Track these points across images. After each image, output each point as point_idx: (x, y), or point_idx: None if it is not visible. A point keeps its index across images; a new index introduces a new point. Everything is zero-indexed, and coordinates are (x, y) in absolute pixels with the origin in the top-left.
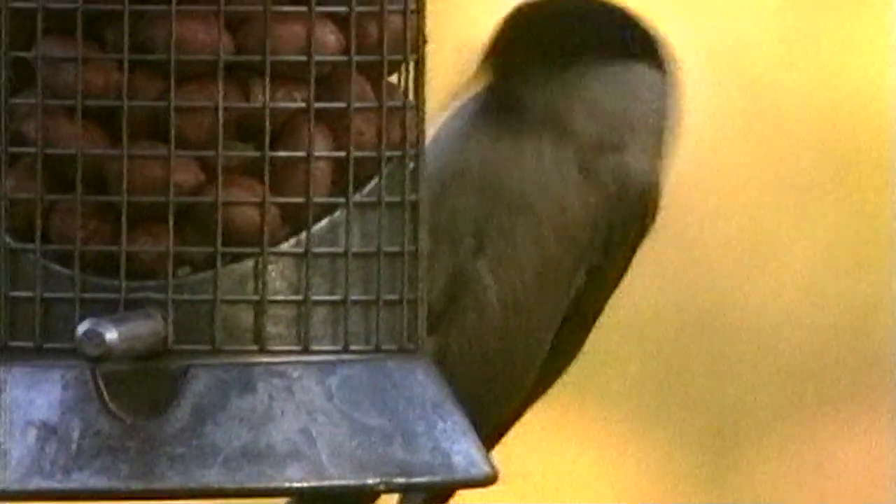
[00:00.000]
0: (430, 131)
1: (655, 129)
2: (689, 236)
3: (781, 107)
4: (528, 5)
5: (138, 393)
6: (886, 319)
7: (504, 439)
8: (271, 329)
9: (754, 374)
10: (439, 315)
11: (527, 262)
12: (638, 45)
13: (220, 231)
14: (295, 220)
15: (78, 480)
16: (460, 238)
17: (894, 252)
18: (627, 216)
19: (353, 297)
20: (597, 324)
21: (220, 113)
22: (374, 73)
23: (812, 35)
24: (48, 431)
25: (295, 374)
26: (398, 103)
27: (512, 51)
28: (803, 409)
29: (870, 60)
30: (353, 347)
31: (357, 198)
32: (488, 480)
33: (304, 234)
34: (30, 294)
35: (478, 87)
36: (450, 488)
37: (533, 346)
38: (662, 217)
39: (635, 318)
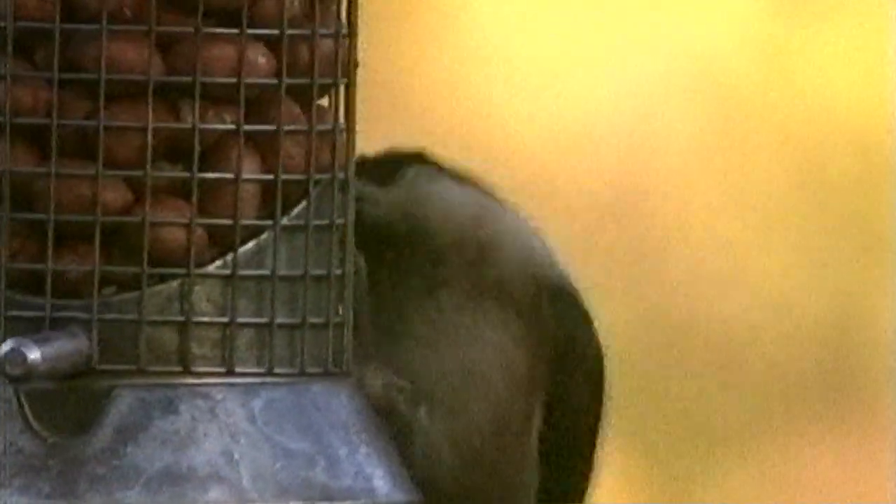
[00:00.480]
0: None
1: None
2: (666, 251)
3: (761, 121)
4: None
5: (61, 412)
6: (862, 334)
7: None
8: (196, 350)
9: (730, 389)
10: None
11: (477, 419)
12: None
13: (146, 251)
14: (222, 242)
15: None
16: (395, 387)
17: (874, 267)
18: (546, 334)
19: (279, 320)
20: None
21: (150, 133)
22: (304, 97)
23: (796, 49)
24: None
25: (219, 396)
26: (328, 127)
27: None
28: (779, 423)
29: (855, 74)
30: (277, 370)
31: (285, 220)
32: None
33: (230, 256)
34: None
35: None
36: None
37: (499, 493)
38: (640, 233)
39: (609, 332)
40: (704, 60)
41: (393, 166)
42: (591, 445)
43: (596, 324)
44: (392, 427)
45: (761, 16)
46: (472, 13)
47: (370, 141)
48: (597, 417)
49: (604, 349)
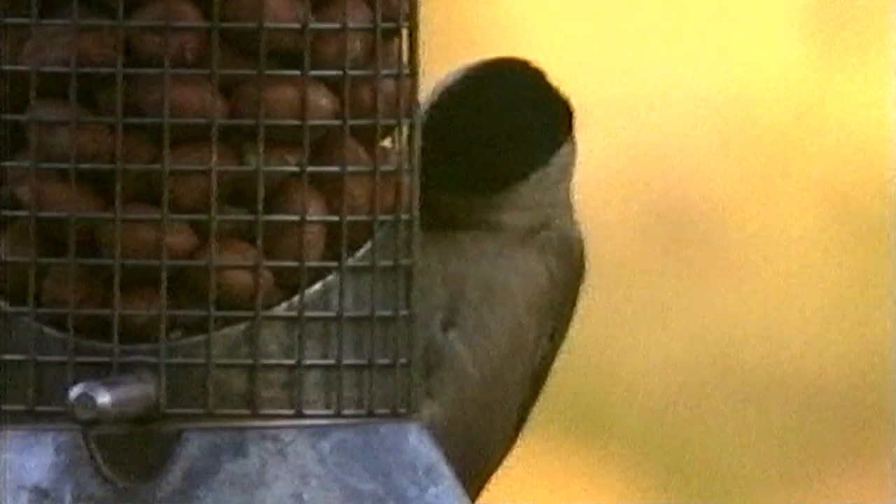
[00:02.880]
0: None
1: (568, 196)
2: (691, 296)
3: (793, 163)
4: (445, 100)
5: (131, 457)
6: (886, 381)
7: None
8: (264, 393)
9: (752, 435)
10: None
11: (500, 333)
12: (556, 124)
13: (213, 295)
14: (288, 284)
15: None
16: (430, 313)
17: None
18: (573, 277)
19: (346, 362)
20: (597, 382)
21: (214, 176)
22: (367, 137)
23: (822, 90)
24: (40, 495)
25: (288, 439)
26: (392, 167)
27: (439, 167)
28: (801, 469)
29: (874, 114)
30: (345, 412)
31: (350, 262)
32: None
33: (297, 298)
34: (23, 357)
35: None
36: None
37: (508, 412)
38: (667, 277)
39: (636, 377)
40: (738, 103)
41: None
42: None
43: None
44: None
45: (794, 60)
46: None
47: None
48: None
49: (628, 391)
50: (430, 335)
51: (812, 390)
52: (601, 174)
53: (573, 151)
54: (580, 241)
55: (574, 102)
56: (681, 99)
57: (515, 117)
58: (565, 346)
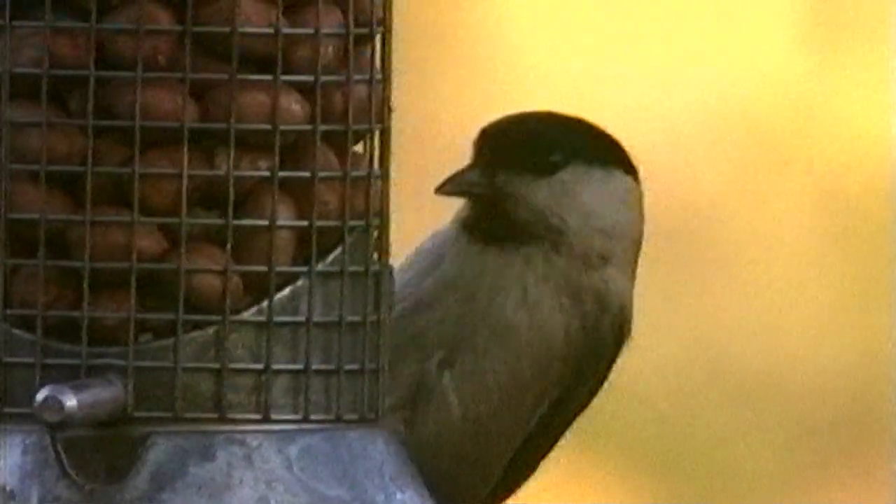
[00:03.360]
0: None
1: (635, 239)
2: (691, 297)
3: (785, 163)
4: (495, 124)
5: (98, 459)
6: (887, 384)
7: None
8: (232, 397)
9: (754, 438)
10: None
11: (495, 387)
12: (609, 152)
13: (182, 298)
14: (257, 289)
15: None
16: (431, 349)
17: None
18: (600, 346)
19: (315, 367)
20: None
21: (185, 180)
22: (339, 143)
23: (817, 91)
24: (6, 496)
25: (255, 443)
26: (363, 173)
27: (500, 147)
28: (803, 472)
29: (872, 117)
30: (313, 417)
31: (320, 267)
32: None
33: (266, 303)
34: None
35: (469, 177)
36: None
37: (490, 464)
38: (667, 278)
39: (634, 379)
40: (737, 103)
41: (549, 158)
42: (563, 431)
43: (620, 374)
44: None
45: (792, 61)
46: (505, 51)
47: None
48: (583, 409)
49: (627, 393)
50: (425, 369)
51: (811, 392)
52: None
53: (639, 197)
54: (629, 306)
55: (569, 105)
56: (678, 100)
57: (586, 129)
58: None
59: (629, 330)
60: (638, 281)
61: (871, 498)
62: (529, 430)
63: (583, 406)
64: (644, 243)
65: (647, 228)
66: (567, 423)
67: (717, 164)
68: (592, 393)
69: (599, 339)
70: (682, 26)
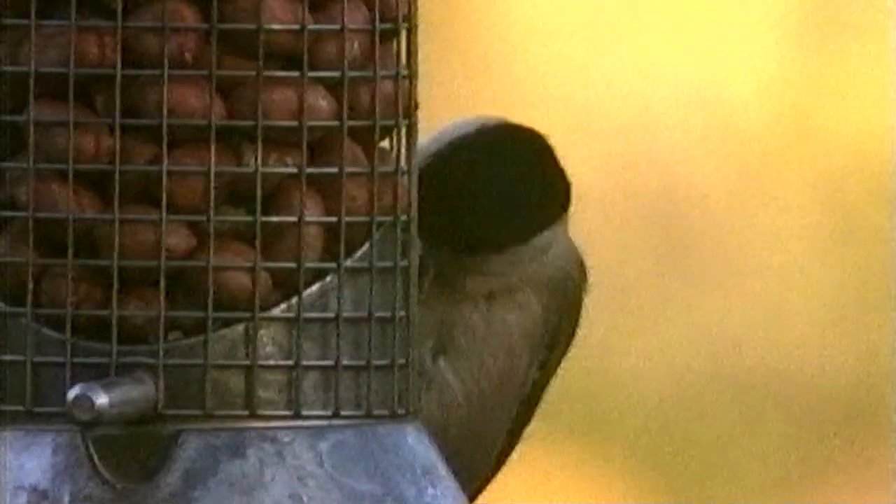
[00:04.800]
0: None
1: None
2: (691, 297)
3: (783, 162)
4: (446, 157)
5: (129, 458)
6: (886, 385)
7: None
8: (262, 394)
9: (753, 438)
10: None
11: (491, 358)
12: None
13: (211, 296)
14: (286, 285)
15: None
16: (421, 339)
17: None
18: (567, 309)
19: (344, 362)
20: (596, 384)
21: (212, 177)
22: (366, 139)
23: (811, 89)
24: (39, 496)
25: (286, 440)
26: (390, 168)
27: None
28: (802, 473)
29: (869, 115)
30: (344, 412)
31: (348, 263)
32: None
33: (295, 299)
34: (21, 358)
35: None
36: None
37: (494, 437)
38: (667, 277)
39: (634, 379)
40: (734, 103)
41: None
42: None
43: (621, 374)
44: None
45: (790, 59)
46: (521, 56)
47: None
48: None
49: (627, 393)
50: (420, 359)
51: (811, 391)
52: (597, 175)
53: (559, 235)
54: (572, 264)
55: (569, 103)
56: (677, 100)
57: (513, 187)
58: None
59: (587, 279)
60: (638, 281)
61: (872, 497)
62: (523, 396)
63: (560, 360)
64: (644, 244)
65: (648, 228)
66: (547, 381)
67: (716, 164)
68: (567, 348)
69: (566, 296)
70: (681, 24)
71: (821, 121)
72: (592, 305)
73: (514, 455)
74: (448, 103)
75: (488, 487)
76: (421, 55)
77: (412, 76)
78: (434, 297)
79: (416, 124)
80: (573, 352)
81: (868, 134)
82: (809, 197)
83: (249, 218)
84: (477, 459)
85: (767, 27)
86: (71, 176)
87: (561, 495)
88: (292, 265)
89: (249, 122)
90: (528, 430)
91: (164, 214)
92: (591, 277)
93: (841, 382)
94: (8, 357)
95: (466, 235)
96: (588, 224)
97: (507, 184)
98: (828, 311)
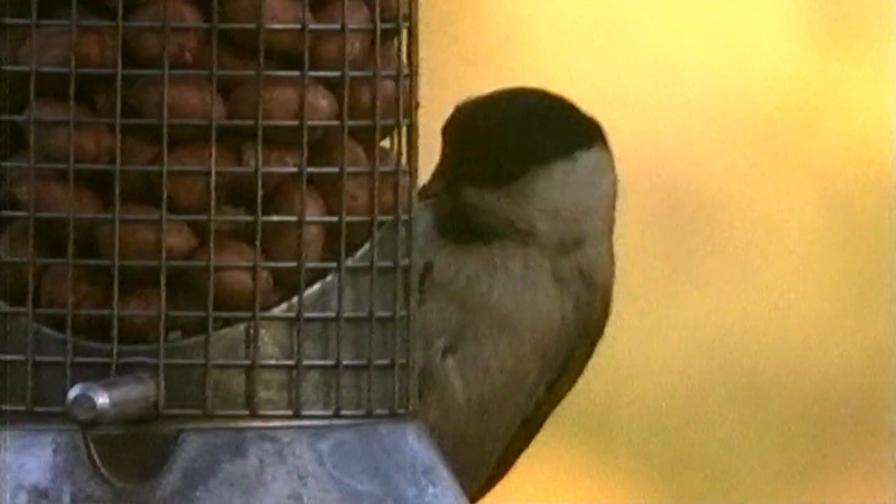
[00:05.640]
0: None
1: (608, 208)
2: (695, 293)
3: (787, 158)
4: (469, 105)
5: (129, 457)
6: (886, 381)
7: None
8: (263, 393)
9: (757, 434)
10: None
11: (497, 370)
12: (570, 136)
13: (211, 295)
14: (287, 285)
15: None
16: (432, 338)
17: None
18: (590, 325)
19: (345, 362)
20: (597, 383)
21: (213, 177)
22: (366, 138)
23: (814, 90)
24: (39, 495)
25: (286, 439)
26: (390, 168)
27: (461, 158)
28: (807, 469)
29: (872, 115)
30: (344, 412)
31: (349, 262)
32: None
33: (295, 299)
34: (21, 357)
35: (435, 191)
36: None
37: (490, 449)
38: (671, 273)
39: (637, 378)
40: (738, 98)
41: (504, 164)
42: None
43: (623, 373)
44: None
45: (795, 54)
46: (525, 53)
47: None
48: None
49: (629, 392)
50: (428, 357)
51: (812, 391)
52: None
53: (606, 163)
54: (607, 278)
55: (577, 99)
56: (681, 96)
57: (541, 119)
58: None
59: (611, 309)
60: (640, 280)
61: (874, 497)
62: (526, 414)
63: (568, 389)
64: (646, 241)
65: (650, 226)
66: (553, 408)
67: (719, 162)
68: (577, 376)
69: (590, 318)
70: (687, 20)
71: (824, 120)
72: None
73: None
74: (449, 103)
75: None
76: (422, 55)
77: (413, 76)
78: (465, 277)
79: (416, 124)
80: None
81: (871, 134)
82: (812, 197)
83: (250, 218)
84: (470, 464)
85: (771, 27)
86: (72, 176)
87: (563, 495)
88: (293, 265)
89: (250, 122)
90: None
91: (164, 214)
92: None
93: (841, 382)
94: (8, 357)
95: (488, 166)
96: None
97: (529, 116)
98: (829, 310)
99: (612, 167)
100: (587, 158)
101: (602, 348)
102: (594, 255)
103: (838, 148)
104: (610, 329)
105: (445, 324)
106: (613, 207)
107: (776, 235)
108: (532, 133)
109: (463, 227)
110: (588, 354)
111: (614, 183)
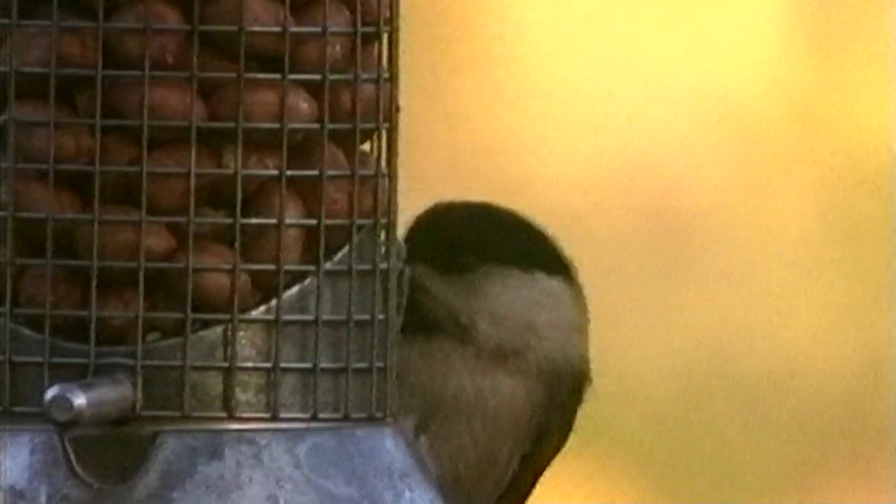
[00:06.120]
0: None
1: (565, 328)
2: (692, 297)
3: (783, 160)
4: (442, 206)
5: (106, 458)
6: (889, 382)
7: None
8: (240, 396)
9: (756, 437)
10: None
11: (470, 444)
12: (532, 255)
13: (190, 297)
14: (265, 288)
15: None
16: (404, 417)
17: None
18: (560, 400)
19: (323, 365)
20: (596, 385)
21: (192, 179)
22: (346, 141)
23: (812, 90)
24: (16, 496)
25: (263, 442)
26: (370, 172)
27: (423, 240)
28: (806, 471)
29: (870, 115)
30: (322, 415)
31: (328, 266)
32: None
33: (274, 302)
34: None
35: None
36: None
37: None
38: (669, 276)
39: (634, 379)
40: (734, 100)
41: (462, 255)
42: (539, 475)
43: (620, 375)
44: None
45: (791, 56)
46: (511, 54)
47: (412, 181)
48: (556, 453)
49: (627, 394)
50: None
51: (811, 391)
52: (596, 174)
53: (569, 298)
54: (574, 364)
55: (565, 104)
56: (675, 97)
57: (512, 231)
58: None
59: (589, 382)
60: (638, 282)
61: (872, 497)
62: (504, 486)
63: (553, 455)
64: (645, 244)
65: (647, 227)
66: (537, 476)
67: (716, 161)
68: (561, 442)
69: (560, 398)
70: (681, 23)
71: (822, 121)
72: (593, 306)
73: None
74: (431, 106)
75: None
76: (404, 58)
77: (393, 79)
78: (421, 366)
79: (396, 127)
80: None
81: (867, 135)
82: (810, 197)
83: (229, 220)
84: None
85: (769, 27)
86: (51, 176)
87: (563, 496)
88: (272, 267)
89: (230, 124)
90: None
91: (143, 215)
92: (591, 274)
93: (841, 382)
94: None
95: (447, 251)
96: (589, 224)
97: (497, 224)
98: (828, 311)
99: (578, 307)
100: (545, 281)
101: (602, 349)
102: (547, 350)
103: (835, 149)
104: (610, 330)
105: (413, 405)
106: (584, 329)
107: (774, 237)
108: (499, 237)
109: (407, 318)
110: (570, 424)
111: (576, 323)
